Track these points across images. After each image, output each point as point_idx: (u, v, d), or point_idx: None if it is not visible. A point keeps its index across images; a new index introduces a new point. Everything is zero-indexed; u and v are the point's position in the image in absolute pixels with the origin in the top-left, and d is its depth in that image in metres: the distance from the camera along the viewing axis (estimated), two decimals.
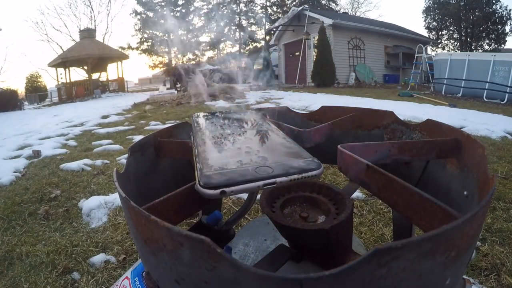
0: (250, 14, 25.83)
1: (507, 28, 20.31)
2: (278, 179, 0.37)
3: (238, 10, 25.52)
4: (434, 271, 0.29)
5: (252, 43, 25.94)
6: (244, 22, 25.70)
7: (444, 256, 0.29)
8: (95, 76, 18.14)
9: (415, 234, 0.74)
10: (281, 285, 0.24)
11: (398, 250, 0.25)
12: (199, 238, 0.26)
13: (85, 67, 17.26)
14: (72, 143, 3.66)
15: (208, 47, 24.89)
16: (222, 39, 24.49)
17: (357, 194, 1.72)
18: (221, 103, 6.70)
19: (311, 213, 0.50)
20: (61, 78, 17.71)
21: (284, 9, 24.62)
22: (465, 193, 0.49)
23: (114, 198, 1.79)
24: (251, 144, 0.48)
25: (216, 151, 0.45)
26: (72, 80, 17.23)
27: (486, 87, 7.32)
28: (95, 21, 27.65)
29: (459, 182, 0.53)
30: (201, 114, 0.67)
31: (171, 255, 0.30)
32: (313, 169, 0.39)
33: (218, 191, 0.35)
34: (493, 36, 20.70)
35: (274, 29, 16.36)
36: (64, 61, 16.46)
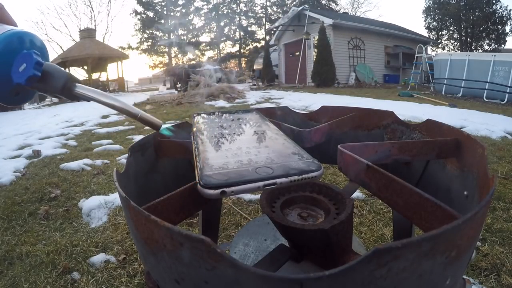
0: (250, 14, 25.84)
1: (507, 28, 20.35)
2: (278, 180, 0.37)
3: (238, 10, 25.52)
4: (434, 271, 0.29)
5: (252, 43, 25.96)
6: (244, 22, 25.70)
7: (444, 256, 0.29)
8: (95, 76, 18.16)
9: (415, 234, 0.74)
10: (281, 285, 0.24)
11: (398, 250, 0.25)
12: (199, 238, 0.26)
13: (85, 67, 17.27)
14: (72, 143, 3.65)
15: (208, 47, 24.93)
16: (222, 39, 24.54)
17: (357, 194, 1.72)
18: (221, 103, 6.70)
19: (311, 213, 0.50)
20: None
21: (284, 9, 24.63)
22: (465, 193, 0.49)
23: (114, 198, 1.80)
24: (251, 144, 0.48)
25: (217, 151, 0.45)
26: None
27: (486, 87, 7.33)
28: (95, 21, 27.74)
29: (459, 182, 0.53)
30: (202, 114, 0.67)
31: (171, 255, 0.30)
32: (313, 170, 0.39)
33: (219, 191, 0.35)
34: (493, 36, 20.72)
35: (274, 29, 16.36)
36: (64, 61, 16.46)
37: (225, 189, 0.36)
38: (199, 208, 0.44)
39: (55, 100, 13.57)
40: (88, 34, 18.12)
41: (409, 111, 4.60)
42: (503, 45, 20.53)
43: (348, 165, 0.49)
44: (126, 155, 0.56)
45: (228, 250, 0.81)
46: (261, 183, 0.37)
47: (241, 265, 0.25)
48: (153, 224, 0.30)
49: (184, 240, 0.27)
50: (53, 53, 23.42)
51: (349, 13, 25.34)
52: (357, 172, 0.47)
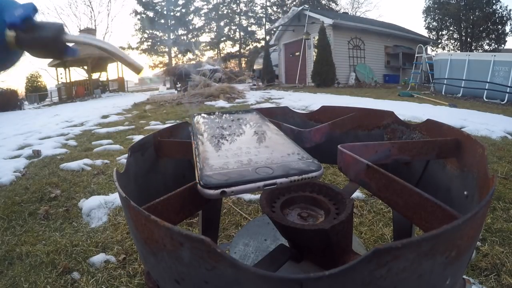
0: (250, 14, 25.83)
1: (507, 28, 20.34)
2: (278, 180, 0.37)
3: (238, 10, 25.51)
4: (434, 271, 0.29)
5: (252, 43, 25.96)
6: (244, 22, 25.70)
7: (444, 256, 0.29)
8: (95, 76, 18.15)
9: (415, 234, 0.74)
10: (281, 285, 0.24)
11: (398, 250, 0.25)
12: (199, 238, 0.26)
13: (85, 67, 17.27)
14: (72, 143, 3.65)
15: (208, 47, 24.93)
16: (222, 39, 24.53)
17: (357, 194, 1.72)
18: (221, 103, 6.70)
19: (311, 213, 0.50)
20: (61, 78, 17.72)
21: (284, 9, 24.63)
22: (465, 193, 0.49)
23: (114, 198, 1.79)
24: (251, 145, 0.48)
25: (217, 151, 0.45)
26: (72, 80, 17.24)
27: (486, 87, 7.32)
28: (95, 21, 27.71)
29: (459, 182, 0.53)
30: (202, 114, 0.67)
31: (171, 255, 0.30)
32: (313, 170, 0.39)
33: (219, 191, 0.35)
34: (493, 36, 20.71)
35: (274, 29, 16.36)
36: (64, 61, 16.45)
37: (225, 189, 0.36)
38: (199, 208, 0.44)
39: (55, 99, 13.57)
40: (88, 34, 18.10)
41: (409, 111, 4.60)
42: (503, 45, 20.53)
43: (348, 165, 0.49)
44: (126, 155, 0.57)
45: (228, 250, 0.81)
46: (261, 183, 0.37)
47: (241, 265, 0.25)
48: (153, 224, 0.30)
49: (184, 240, 0.27)
50: None
51: (349, 13, 25.32)
52: (357, 172, 0.47)
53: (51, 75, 27.68)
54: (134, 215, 0.34)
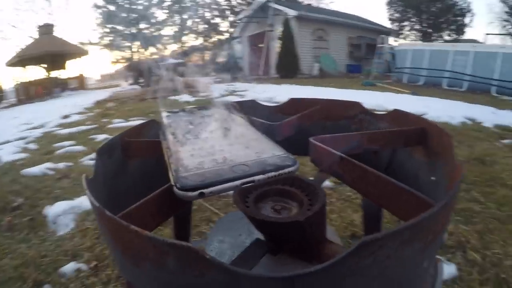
0: (214, 6, 25.51)
1: (467, 20, 21.32)
2: (256, 177, 0.37)
3: (202, 2, 25.14)
4: (414, 256, 0.31)
5: (216, 36, 25.70)
6: (207, 15, 25.36)
7: (422, 241, 0.30)
8: (54, 74, 17.37)
9: (384, 218, 0.76)
10: (273, 284, 0.24)
11: (382, 240, 0.26)
12: (185, 246, 0.25)
13: (44, 65, 16.48)
14: (33, 146, 3.48)
15: (171, 41, 24.43)
16: (185, 32, 24.10)
17: (325, 182, 1.75)
18: (185, 97, 6.58)
19: (284, 205, 0.50)
20: (19, 78, 16.80)
21: (248, 0, 24.50)
22: (432, 178, 0.51)
23: (80, 202, 1.73)
24: (224, 142, 0.47)
25: (190, 151, 0.44)
26: (32, 79, 16.40)
27: (446, 76, 7.68)
28: (53, 16, 26.36)
29: (427, 168, 0.55)
30: (171, 111, 0.65)
31: (156, 265, 0.29)
32: (289, 165, 0.39)
33: (197, 193, 0.35)
34: (454, 27, 21.61)
35: (238, 21, 16.26)
36: (21, 60, 15.63)
37: (203, 190, 0.35)
38: (176, 211, 0.43)
39: (13, 101, 12.90)
40: (46, 30, 17.22)
41: (373, 99, 4.72)
42: (462, 36, 21.47)
43: (321, 157, 0.49)
44: (90, 156, 0.54)
45: (203, 247, 0.80)
46: (238, 182, 0.37)
47: (231, 269, 0.24)
48: (134, 234, 0.29)
49: (169, 249, 0.27)
50: (11, 52, 22.22)
51: (313, 5, 25.55)
52: (330, 164, 0.47)
53: (9, 75, 26.05)
54: (111, 225, 0.33)
